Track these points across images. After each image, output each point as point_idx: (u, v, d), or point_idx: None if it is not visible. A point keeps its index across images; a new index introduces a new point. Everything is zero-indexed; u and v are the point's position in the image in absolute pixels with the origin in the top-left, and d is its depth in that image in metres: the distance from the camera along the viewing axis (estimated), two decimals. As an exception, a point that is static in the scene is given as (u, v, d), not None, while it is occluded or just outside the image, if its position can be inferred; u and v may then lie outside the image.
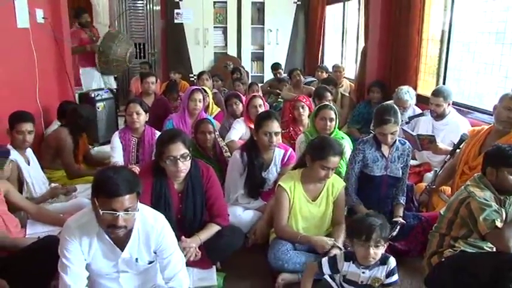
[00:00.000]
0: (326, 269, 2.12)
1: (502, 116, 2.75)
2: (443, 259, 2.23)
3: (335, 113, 3.33)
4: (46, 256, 1.99)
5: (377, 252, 1.98)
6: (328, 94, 4.28)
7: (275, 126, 2.88)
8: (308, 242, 2.48)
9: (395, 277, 2.07)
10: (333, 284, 2.17)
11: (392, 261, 2.07)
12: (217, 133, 3.63)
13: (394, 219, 2.70)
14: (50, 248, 1.95)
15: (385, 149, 2.80)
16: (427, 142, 3.27)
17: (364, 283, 2.07)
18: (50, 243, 2.06)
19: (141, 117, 3.44)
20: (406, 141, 2.92)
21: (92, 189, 1.78)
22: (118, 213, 1.71)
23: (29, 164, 3.06)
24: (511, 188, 2.12)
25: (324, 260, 2.13)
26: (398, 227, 2.65)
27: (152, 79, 4.98)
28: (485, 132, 2.91)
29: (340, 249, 2.39)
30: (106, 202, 1.71)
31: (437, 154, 3.37)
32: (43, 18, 4.15)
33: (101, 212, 1.72)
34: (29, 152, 3.15)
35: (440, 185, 3.13)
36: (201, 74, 5.71)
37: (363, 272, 2.05)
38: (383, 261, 2.05)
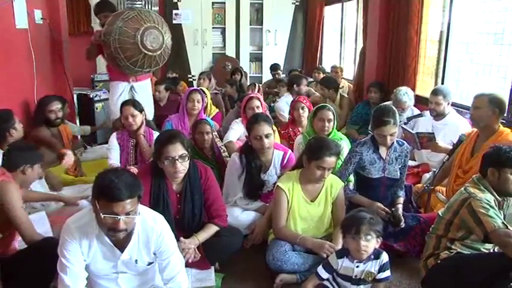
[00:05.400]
0: (324, 274, 2.15)
1: (472, 115, 2.86)
2: (439, 261, 2.22)
3: (333, 113, 3.33)
4: (45, 258, 1.99)
5: (368, 244, 2.02)
6: (304, 80, 4.29)
7: (264, 129, 2.84)
8: (305, 245, 2.48)
9: (387, 273, 2.11)
10: (329, 285, 2.19)
11: (385, 256, 2.10)
12: (215, 134, 3.63)
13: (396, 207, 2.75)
14: (49, 249, 1.95)
15: (382, 151, 2.80)
16: (427, 140, 3.27)
17: (358, 277, 2.10)
18: (49, 245, 2.05)
19: (137, 119, 3.37)
20: (404, 142, 2.92)
21: (93, 191, 1.77)
22: (119, 217, 1.71)
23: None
24: None
25: (320, 268, 2.16)
26: (400, 210, 2.70)
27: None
28: (475, 135, 2.94)
29: None
30: (107, 206, 1.70)
31: (437, 152, 3.36)
32: (41, 18, 4.14)
33: (102, 215, 1.71)
34: None
35: (437, 184, 3.13)
36: (200, 74, 5.72)
37: (357, 266, 2.09)
38: (376, 255, 2.09)
